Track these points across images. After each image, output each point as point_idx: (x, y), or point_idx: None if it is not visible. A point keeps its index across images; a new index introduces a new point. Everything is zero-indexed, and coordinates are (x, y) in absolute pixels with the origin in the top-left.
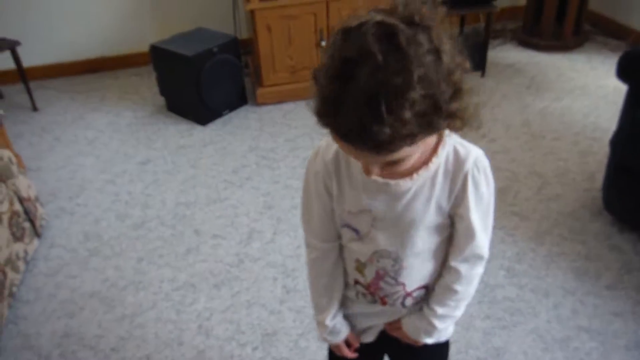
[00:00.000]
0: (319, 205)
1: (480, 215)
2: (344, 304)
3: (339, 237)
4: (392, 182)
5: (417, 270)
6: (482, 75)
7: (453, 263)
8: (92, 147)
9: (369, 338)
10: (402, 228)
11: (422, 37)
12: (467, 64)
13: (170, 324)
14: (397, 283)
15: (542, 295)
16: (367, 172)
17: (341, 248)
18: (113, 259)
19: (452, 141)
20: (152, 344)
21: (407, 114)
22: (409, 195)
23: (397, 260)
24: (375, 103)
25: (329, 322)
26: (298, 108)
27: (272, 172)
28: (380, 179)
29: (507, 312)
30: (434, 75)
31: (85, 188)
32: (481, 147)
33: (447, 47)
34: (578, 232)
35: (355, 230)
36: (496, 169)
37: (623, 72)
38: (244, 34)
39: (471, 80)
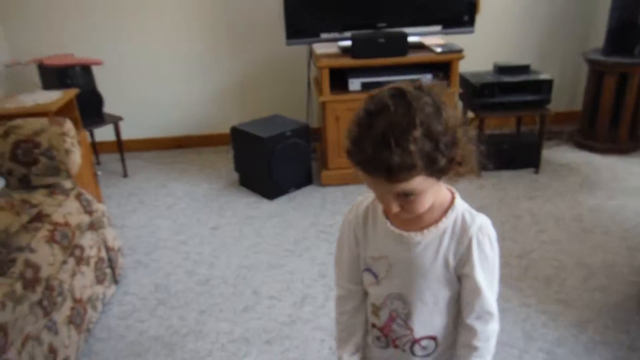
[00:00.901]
0: (348, 250)
1: (486, 275)
2: (363, 350)
3: (362, 282)
4: (405, 234)
5: (425, 319)
6: (537, 172)
7: (468, 321)
8: (170, 212)
9: None
10: (412, 275)
11: (425, 96)
12: (468, 123)
13: None
14: (407, 327)
15: None
16: (388, 209)
17: (364, 295)
18: (178, 309)
19: (462, 209)
20: None
21: (412, 147)
22: (419, 248)
23: (406, 304)
24: (387, 138)
25: (346, 357)
26: (359, 190)
27: (329, 245)
28: (396, 230)
29: None
30: (434, 121)
31: (160, 246)
32: (530, 236)
33: (447, 107)
34: (623, 322)
35: (374, 275)
36: (543, 258)
37: None
38: (314, 123)
39: (526, 175)
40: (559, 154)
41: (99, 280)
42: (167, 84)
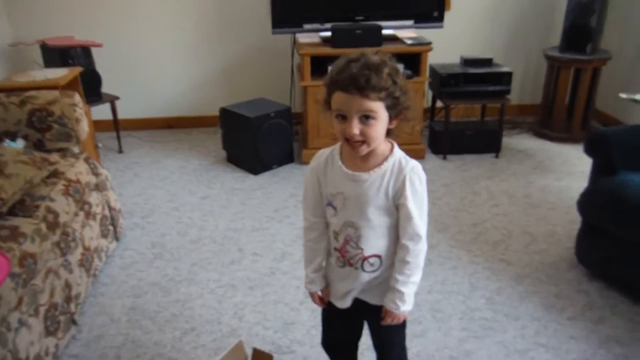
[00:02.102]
0: (312, 190)
1: (416, 204)
2: (326, 269)
3: (324, 215)
4: (356, 173)
5: (372, 240)
6: (497, 156)
7: (403, 241)
8: (164, 183)
9: (347, 304)
10: (361, 205)
11: (390, 61)
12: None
13: (212, 309)
14: (358, 247)
15: (513, 318)
16: (350, 132)
17: (327, 227)
18: (172, 262)
19: (399, 155)
20: (198, 321)
21: (384, 75)
22: (366, 184)
23: (357, 229)
24: (368, 65)
25: (310, 273)
26: None
27: None
28: (349, 171)
29: (481, 327)
30: (395, 70)
31: (155, 212)
32: (485, 209)
33: (401, 73)
34: (554, 277)
35: (334, 207)
36: (494, 227)
37: (589, 149)
38: (297, 108)
39: (487, 159)
40: (519, 141)
41: (104, 235)
42: (160, 67)
